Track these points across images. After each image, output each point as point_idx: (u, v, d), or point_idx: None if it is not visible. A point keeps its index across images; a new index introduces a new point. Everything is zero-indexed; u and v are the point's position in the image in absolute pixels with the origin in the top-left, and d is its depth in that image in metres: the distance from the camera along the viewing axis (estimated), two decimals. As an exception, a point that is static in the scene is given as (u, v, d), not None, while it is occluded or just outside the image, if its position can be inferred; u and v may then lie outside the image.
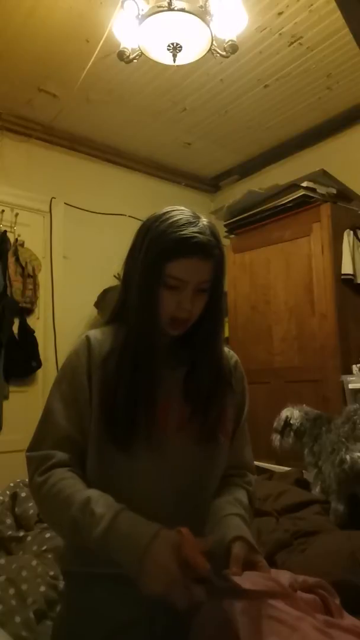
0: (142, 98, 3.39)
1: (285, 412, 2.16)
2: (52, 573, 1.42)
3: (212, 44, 2.15)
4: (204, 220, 0.99)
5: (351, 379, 2.82)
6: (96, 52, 2.78)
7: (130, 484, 0.96)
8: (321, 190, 3.14)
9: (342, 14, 2.29)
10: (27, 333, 3.45)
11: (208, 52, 2.19)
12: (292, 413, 2.13)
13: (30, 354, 3.44)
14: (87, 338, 1.04)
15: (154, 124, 3.73)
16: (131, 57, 2.22)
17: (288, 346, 3.24)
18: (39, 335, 3.53)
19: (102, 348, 1.02)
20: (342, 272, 3.01)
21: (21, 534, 1.77)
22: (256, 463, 1.21)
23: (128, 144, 4.05)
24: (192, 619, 0.81)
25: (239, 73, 3.12)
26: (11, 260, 3.40)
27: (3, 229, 3.45)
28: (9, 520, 1.84)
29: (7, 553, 1.72)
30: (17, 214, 3.57)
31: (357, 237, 3.07)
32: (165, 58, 2.19)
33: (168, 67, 2.57)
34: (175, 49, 2.12)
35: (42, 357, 3.51)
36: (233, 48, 2.14)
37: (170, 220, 0.96)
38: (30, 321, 3.51)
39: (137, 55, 2.22)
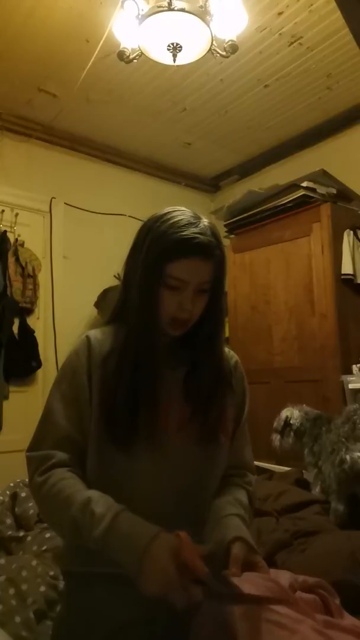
0: (142, 98, 3.39)
1: (285, 412, 2.16)
2: (52, 573, 1.42)
3: (212, 44, 2.15)
4: (204, 221, 0.99)
5: (351, 379, 2.82)
6: (96, 52, 2.78)
7: (130, 484, 0.96)
8: (321, 190, 3.14)
9: (342, 14, 2.29)
10: (27, 333, 3.45)
11: (208, 52, 2.19)
12: (292, 413, 2.13)
13: (30, 354, 3.44)
14: (87, 338, 1.04)
15: (154, 124, 3.73)
16: (131, 57, 2.22)
17: (288, 346, 3.24)
18: (39, 335, 3.53)
19: (103, 348, 1.02)
20: (342, 272, 3.01)
21: (21, 534, 1.77)
22: (256, 463, 1.21)
23: (128, 144, 4.05)
24: (192, 619, 0.82)
25: (239, 73, 3.12)
26: (11, 260, 3.40)
27: (3, 229, 3.45)
28: (9, 520, 1.84)
29: (7, 553, 1.72)
30: (17, 214, 3.57)
31: (357, 237, 3.08)
32: (165, 58, 2.19)
33: (168, 67, 2.57)
34: (175, 49, 2.12)
35: (42, 357, 3.51)
36: (233, 48, 2.14)
37: (171, 221, 0.96)
38: (30, 321, 3.51)
39: (137, 55, 2.22)
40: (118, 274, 1.22)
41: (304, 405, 2.18)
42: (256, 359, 3.35)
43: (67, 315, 3.69)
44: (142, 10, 2.06)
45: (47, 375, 3.53)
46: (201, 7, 2.07)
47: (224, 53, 2.17)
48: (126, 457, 0.95)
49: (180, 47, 2.13)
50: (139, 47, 2.19)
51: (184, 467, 0.99)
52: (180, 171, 4.49)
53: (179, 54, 2.14)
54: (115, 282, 3.34)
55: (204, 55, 2.24)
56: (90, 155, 4.00)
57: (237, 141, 3.99)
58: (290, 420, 2.11)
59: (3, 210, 3.51)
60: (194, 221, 0.97)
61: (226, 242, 3.56)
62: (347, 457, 1.81)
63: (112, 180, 4.12)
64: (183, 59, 2.20)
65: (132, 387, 0.96)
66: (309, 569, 1.24)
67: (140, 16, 2.06)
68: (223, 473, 1.08)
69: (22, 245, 3.51)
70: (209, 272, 0.98)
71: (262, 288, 3.45)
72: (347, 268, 3.00)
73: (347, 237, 3.06)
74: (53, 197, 3.78)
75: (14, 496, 1.92)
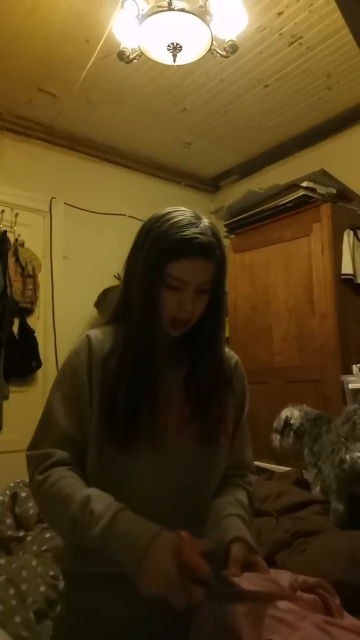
0: (142, 98, 3.39)
1: (285, 412, 2.16)
2: (52, 573, 1.42)
3: (212, 44, 2.15)
4: (205, 221, 0.99)
5: (351, 379, 2.82)
6: (96, 52, 2.78)
7: (130, 484, 0.96)
8: (321, 190, 3.14)
9: (342, 14, 2.29)
10: (27, 333, 3.45)
11: (208, 52, 2.19)
12: (292, 413, 2.13)
13: (30, 354, 3.44)
14: (88, 337, 1.04)
15: (154, 124, 3.73)
16: (131, 57, 2.22)
17: (288, 346, 3.24)
18: (39, 335, 3.53)
19: (103, 348, 1.02)
20: (342, 272, 3.01)
21: (21, 534, 1.77)
22: (256, 463, 1.21)
23: (128, 144, 4.05)
24: (192, 619, 0.81)
25: (239, 73, 3.12)
26: (11, 260, 3.40)
27: (3, 229, 3.45)
28: (9, 520, 1.84)
29: (7, 553, 1.72)
30: (17, 214, 3.57)
31: (357, 237, 3.08)
32: (165, 58, 2.19)
33: (168, 67, 2.57)
34: (175, 49, 2.12)
35: (42, 357, 3.51)
36: (233, 48, 2.14)
37: (172, 221, 0.96)
38: (30, 321, 3.51)
39: (137, 55, 2.22)
40: (118, 274, 1.22)
41: (304, 405, 2.18)
42: (256, 359, 3.35)
43: (67, 315, 3.69)
44: (142, 10, 2.06)
45: (47, 375, 3.53)
46: (201, 7, 2.07)
47: (224, 53, 2.18)
48: (126, 457, 0.95)
49: (180, 47, 2.13)
50: (139, 47, 2.19)
51: (184, 467, 0.99)
52: (180, 171, 4.49)
53: (179, 54, 2.14)
54: (115, 282, 3.35)
55: (204, 55, 2.24)
56: (90, 155, 4.00)
57: (237, 141, 3.99)
58: (290, 420, 2.11)
59: (3, 210, 3.51)
60: (195, 221, 0.97)
61: (226, 242, 3.56)
62: (347, 457, 1.81)
63: (112, 180, 4.12)
64: (183, 59, 2.20)
65: (132, 387, 0.96)
66: (309, 569, 1.24)
67: (140, 16, 2.06)
68: (223, 473, 1.08)
69: (22, 245, 3.51)
70: (209, 272, 0.98)
71: (262, 288, 3.45)
72: (347, 268, 3.00)
73: (347, 237, 3.06)
74: (53, 197, 3.78)
75: (14, 496, 1.92)
